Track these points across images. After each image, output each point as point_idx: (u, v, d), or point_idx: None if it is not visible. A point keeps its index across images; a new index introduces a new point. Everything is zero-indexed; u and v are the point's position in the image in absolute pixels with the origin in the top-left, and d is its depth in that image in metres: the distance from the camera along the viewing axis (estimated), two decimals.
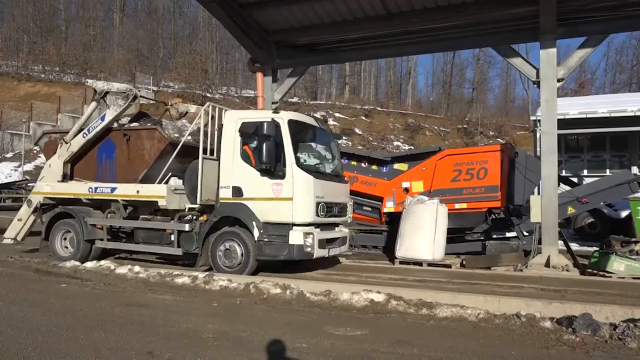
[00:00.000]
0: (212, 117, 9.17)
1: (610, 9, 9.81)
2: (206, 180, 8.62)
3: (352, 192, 12.62)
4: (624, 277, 8.44)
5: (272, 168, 7.96)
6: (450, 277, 8.71)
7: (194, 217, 8.82)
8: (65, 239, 9.78)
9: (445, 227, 9.90)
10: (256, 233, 8.04)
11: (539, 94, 10.19)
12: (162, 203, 8.99)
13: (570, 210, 10.38)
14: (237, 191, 8.33)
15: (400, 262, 9.94)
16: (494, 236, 11.15)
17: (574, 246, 11.69)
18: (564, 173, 16.37)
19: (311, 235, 8.00)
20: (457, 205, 10.71)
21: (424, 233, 9.70)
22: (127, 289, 7.22)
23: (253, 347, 4.67)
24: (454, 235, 10.75)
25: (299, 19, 11.84)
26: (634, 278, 8.40)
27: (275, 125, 7.97)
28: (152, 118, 10.53)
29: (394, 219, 11.03)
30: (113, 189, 9.42)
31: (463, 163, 11.00)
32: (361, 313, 5.87)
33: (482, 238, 10.95)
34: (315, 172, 8.36)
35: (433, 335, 5.07)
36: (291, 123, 8.22)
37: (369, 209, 12.05)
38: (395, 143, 40.49)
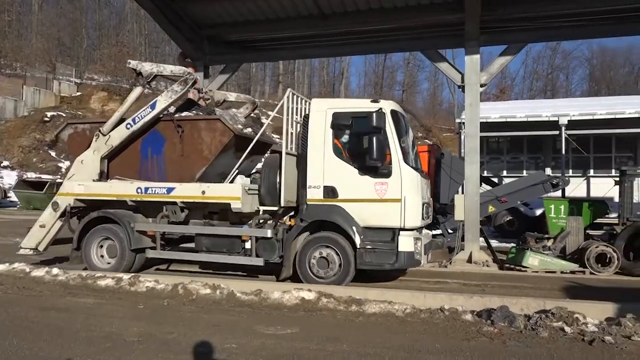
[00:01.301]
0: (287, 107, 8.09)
1: (529, 20, 10.46)
2: (285, 179, 7.64)
3: None
4: (537, 271, 9.04)
5: (379, 165, 7.14)
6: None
7: (272, 222, 7.79)
8: (101, 246, 8.42)
9: None
10: (357, 239, 7.17)
11: (464, 98, 10.69)
12: (236, 206, 7.72)
13: (491, 208, 10.94)
14: (331, 192, 7.41)
15: None
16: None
17: (494, 243, 12.34)
18: (485, 173, 17.26)
19: (420, 241, 7.33)
20: None
21: None
22: (44, 292, 6.78)
23: (180, 349, 4.55)
24: None
25: (232, 15, 11.66)
26: (546, 272, 9.02)
27: (384, 116, 7.13)
28: (204, 107, 9.23)
29: None
30: (170, 189, 8.06)
31: None
32: (292, 311, 5.88)
33: None
34: (414, 168, 7.61)
35: (362, 331, 5.17)
36: (393, 113, 7.36)
37: None
38: None
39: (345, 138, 7.56)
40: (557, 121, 16.88)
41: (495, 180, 14.91)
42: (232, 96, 9.45)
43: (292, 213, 7.93)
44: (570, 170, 18.26)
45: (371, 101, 7.48)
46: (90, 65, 46.19)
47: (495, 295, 6.48)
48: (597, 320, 5.16)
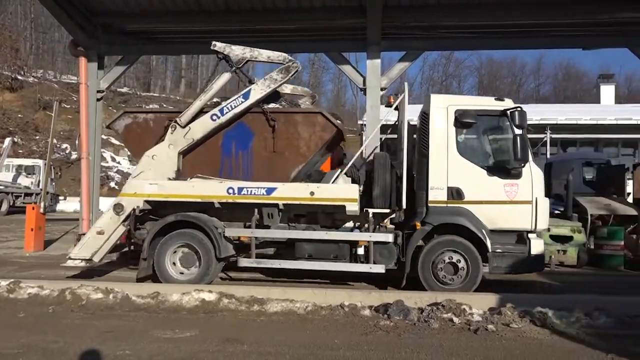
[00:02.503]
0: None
1: (426, 29, 11.05)
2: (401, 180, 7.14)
3: None
4: None
5: (513, 165, 6.85)
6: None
7: (383, 226, 7.28)
8: (174, 252, 7.37)
9: None
10: (489, 243, 6.83)
11: (366, 100, 11.05)
12: (352, 208, 7.12)
13: None
14: (456, 193, 7.01)
15: None
16: None
17: None
18: None
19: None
20: None
21: None
22: None
23: (66, 359, 4.23)
24: None
25: (129, 4, 11.04)
26: None
27: (525, 114, 6.81)
28: (289, 99, 8.37)
29: None
30: (271, 190, 7.15)
31: None
32: (191, 314, 5.70)
33: None
34: None
35: (263, 330, 5.15)
36: (521, 113, 6.92)
37: None
38: None
39: (470, 137, 7.25)
40: None
41: None
42: (287, 88, 8.55)
43: (392, 216, 7.41)
44: None
45: (495, 99, 7.28)
46: None
47: (391, 290, 6.76)
48: (482, 311, 5.57)
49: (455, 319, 5.34)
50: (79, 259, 7.44)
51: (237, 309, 5.80)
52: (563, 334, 5.07)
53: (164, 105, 41.02)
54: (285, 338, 4.86)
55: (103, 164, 27.32)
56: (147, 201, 7.40)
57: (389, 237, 7.08)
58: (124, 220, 7.42)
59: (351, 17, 10.82)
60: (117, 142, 33.81)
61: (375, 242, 7.09)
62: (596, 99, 26.18)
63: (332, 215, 7.54)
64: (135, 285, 6.81)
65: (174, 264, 7.33)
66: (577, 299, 6.06)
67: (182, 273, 7.32)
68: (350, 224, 7.62)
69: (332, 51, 11.49)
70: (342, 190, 7.25)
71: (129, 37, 11.89)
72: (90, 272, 8.16)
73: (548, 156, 19.59)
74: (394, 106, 7.98)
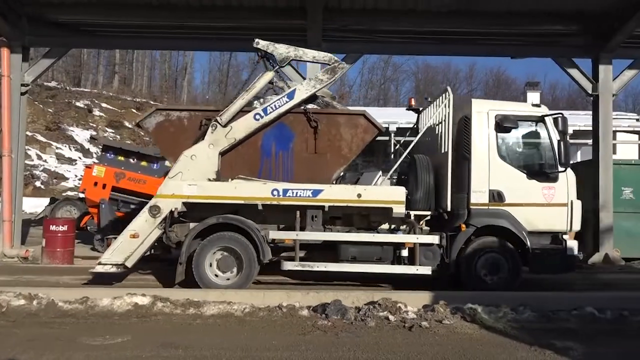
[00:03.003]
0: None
1: (364, 32, 11.25)
2: (442, 182, 7.36)
3: (119, 190, 11.82)
4: None
5: (556, 170, 7.16)
6: None
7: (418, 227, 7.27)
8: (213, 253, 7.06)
9: None
10: (529, 244, 7.04)
11: None
12: (399, 210, 7.09)
13: None
14: (497, 196, 7.21)
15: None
16: None
17: None
18: None
19: None
20: None
21: None
22: None
23: None
24: None
25: None
26: None
27: (567, 120, 7.06)
28: (325, 99, 8.06)
29: None
30: (317, 192, 7.06)
31: None
32: (123, 318, 5.48)
33: None
34: None
35: (199, 334, 5.04)
36: (563, 119, 7.15)
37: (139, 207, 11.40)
38: None
39: (510, 141, 7.43)
40: (388, 128, 18.48)
41: None
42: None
43: (427, 218, 7.50)
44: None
45: (533, 105, 7.65)
46: None
47: (331, 289, 6.82)
48: (416, 308, 5.74)
49: (391, 317, 5.47)
50: (109, 264, 7.04)
51: (172, 313, 5.64)
52: (491, 328, 5.32)
53: (95, 101, 39.31)
54: (222, 341, 4.78)
55: (28, 162, 25.72)
56: (186, 202, 7.12)
57: (436, 239, 7.16)
58: (161, 223, 7.09)
59: (292, 18, 10.82)
60: (43, 139, 32.00)
61: (421, 244, 7.15)
62: None
63: (367, 218, 7.54)
64: (61, 290, 6.47)
65: (210, 265, 7.12)
66: (504, 295, 6.35)
67: (216, 276, 7.14)
68: (385, 226, 7.60)
69: None
70: (389, 193, 7.26)
71: (58, 29, 11.25)
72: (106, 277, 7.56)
73: None
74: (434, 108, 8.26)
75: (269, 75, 7.72)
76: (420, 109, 9.07)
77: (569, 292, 6.96)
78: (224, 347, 4.59)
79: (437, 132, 8.10)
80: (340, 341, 4.85)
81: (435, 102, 8.37)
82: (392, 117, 19.86)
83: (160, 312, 5.64)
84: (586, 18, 10.92)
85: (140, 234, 7.09)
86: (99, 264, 7.09)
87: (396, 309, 5.61)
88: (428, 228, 7.50)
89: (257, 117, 7.38)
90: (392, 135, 18.34)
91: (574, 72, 11.25)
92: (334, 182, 7.62)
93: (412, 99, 8.43)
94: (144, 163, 12.19)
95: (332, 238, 7.26)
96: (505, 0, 10.48)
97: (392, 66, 55.89)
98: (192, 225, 7.27)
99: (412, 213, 7.32)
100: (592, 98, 11.36)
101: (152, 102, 44.17)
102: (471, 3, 10.61)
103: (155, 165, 12.03)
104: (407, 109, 9.19)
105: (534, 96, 25.47)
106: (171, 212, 7.04)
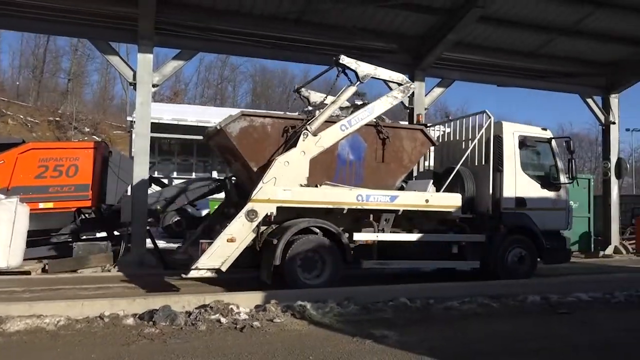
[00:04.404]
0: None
1: (201, 30, 11.00)
2: (479, 189, 8.78)
3: None
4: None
5: (565, 182, 9.27)
6: (28, 285, 7.81)
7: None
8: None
9: (25, 230, 8.83)
10: (544, 241, 8.81)
11: (136, 96, 10.42)
12: (457, 213, 8.35)
13: (159, 209, 10.98)
14: (521, 202, 8.87)
15: None
16: (84, 237, 10.71)
17: (162, 244, 12.45)
18: (156, 174, 17.26)
19: None
20: (41, 205, 9.81)
21: None
22: None
23: None
24: (36, 237, 9.74)
25: None
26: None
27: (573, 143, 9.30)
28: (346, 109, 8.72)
29: None
30: (394, 197, 7.97)
31: (51, 159, 10.12)
32: None
33: (70, 240, 10.33)
34: None
35: (1, 355, 4.38)
36: (572, 142, 9.39)
37: None
38: None
39: (529, 157, 9.17)
40: None
41: (166, 181, 15.07)
42: (317, 96, 9.33)
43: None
44: None
45: (542, 129, 9.42)
46: None
47: (159, 295, 6.50)
48: (249, 309, 5.79)
49: (223, 320, 5.42)
50: (205, 269, 7.03)
51: None
52: (319, 323, 5.60)
53: None
54: None
55: None
56: (279, 207, 7.32)
57: (483, 238, 8.52)
58: (255, 227, 7.24)
59: (123, 6, 10.13)
60: None
61: (471, 242, 8.46)
62: None
63: (422, 220, 8.55)
64: None
65: (299, 266, 7.40)
66: (332, 291, 6.76)
67: (308, 279, 7.45)
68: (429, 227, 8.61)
69: (99, 39, 10.53)
70: (450, 199, 8.37)
71: None
72: None
73: None
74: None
75: (351, 90, 8.22)
76: (428, 124, 9.99)
77: (387, 285, 7.63)
78: None
79: (463, 147, 9.35)
80: (169, 348, 4.64)
81: (458, 121, 9.79)
82: None
83: None
84: (406, 39, 12.21)
85: (237, 238, 7.16)
86: (195, 268, 6.99)
87: (228, 311, 5.57)
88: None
89: (343, 127, 7.91)
90: None
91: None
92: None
93: (420, 116, 10.10)
94: None
95: (407, 239, 8.21)
96: (336, 15, 11.20)
97: (229, 66, 55.49)
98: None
99: (460, 216, 8.44)
100: (408, 111, 12.68)
101: None
102: (305, 13, 11.10)
103: None
104: (415, 123, 10.26)
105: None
106: (266, 216, 7.27)
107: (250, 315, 5.59)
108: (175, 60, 10.83)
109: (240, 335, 5.11)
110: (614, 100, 15.15)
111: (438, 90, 13.10)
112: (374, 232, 7.92)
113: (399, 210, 8.03)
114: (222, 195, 13.46)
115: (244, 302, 5.94)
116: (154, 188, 11.79)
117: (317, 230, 7.56)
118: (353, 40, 11.94)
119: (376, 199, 7.90)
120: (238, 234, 7.17)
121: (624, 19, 12.48)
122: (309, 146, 7.68)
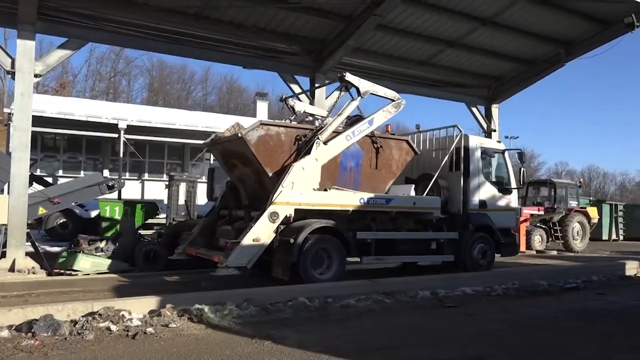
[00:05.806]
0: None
1: (92, 18, 10.31)
2: (451, 193, 10.03)
3: None
4: (89, 274, 8.91)
5: (515, 187, 10.83)
6: None
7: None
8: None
9: None
10: (501, 237, 10.14)
11: (15, 87, 9.49)
12: (437, 214, 9.50)
13: (42, 210, 10.08)
14: (483, 204, 10.27)
15: None
16: None
17: (46, 247, 11.47)
18: (38, 172, 15.86)
19: None
20: None
21: None
22: None
23: None
24: None
25: None
26: (98, 273, 9.00)
27: (525, 154, 10.82)
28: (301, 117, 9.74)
29: None
30: (389, 200, 9.07)
31: None
32: None
33: None
34: None
35: None
36: (524, 153, 11.05)
37: None
38: None
39: (489, 166, 10.60)
40: (117, 124, 17.31)
41: (50, 180, 13.88)
42: (312, 109, 10.08)
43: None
44: (127, 173, 19.03)
45: (497, 141, 11.55)
46: None
47: (39, 304, 5.95)
48: (142, 315, 5.49)
49: (113, 327, 5.09)
50: (233, 267, 7.48)
51: None
52: (217, 326, 5.47)
53: None
54: None
55: None
56: (296, 209, 8.01)
57: (457, 235, 9.62)
58: (276, 228, 7.81)
59: None
60: None
61: (449, 239, 9.52)
62: (254, 113, 29.38)
63: (403, 220, 9.36)
64: None
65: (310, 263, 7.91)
66: (231, 293, 6.62)
67: (321, 274, 8.05)
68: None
69: None
70: (432, 201, 9.54)
71: None
72: None
73: (211, 162, 21.00)
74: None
75: (354, 104, 9.05)
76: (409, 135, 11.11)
77: (286, 286, 7.67)
78: None
79: (434, 155, 10.47)
80: None
81: (438, 132, 10.80)
82: (122, 113, 18.70)
83: None
84: (307, 41, 12.39)
85: (261, 238, 7.73)
86: (225, 266, 7.42)
87: (119, 318, 5.25)
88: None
89: (348, 137, 8.71)
90: (122, 132, 17.30)
91: (295, 87, 12.58)
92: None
93: (389, 126, 10.40)
94: None
95: (400, 237, 9.10)
96: (235, 13, 11.06)
97: (124, 59, 52.36)
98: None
99: (439, 216, 9.60)
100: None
101: None
102: (205, 9, 10.83)
103: None
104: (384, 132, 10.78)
105: (262, 106, 27.46)
106: (285, 217, 7.89)
107: (144, 322, 5.31)
108: (62, 50, 10.04)
109: (132, 342, 4.83)
110: (495, 109, 16.64)
111: (336, 94, 13.42)
112: (373, 232, 8.85)
113: (392, 212, 9.13)
114: (113, 195, 12.79)
115: (137, 308, 5.63)
116: (36, 187, 10.79)
117: (327, 230, 8.18)
118: (256, 39, 11.89)
119: (375, 201, 8.90)
120: (262, 235, 7.77)
121: (505, 37, 13.76)
122: (321, 154, 8.44)
